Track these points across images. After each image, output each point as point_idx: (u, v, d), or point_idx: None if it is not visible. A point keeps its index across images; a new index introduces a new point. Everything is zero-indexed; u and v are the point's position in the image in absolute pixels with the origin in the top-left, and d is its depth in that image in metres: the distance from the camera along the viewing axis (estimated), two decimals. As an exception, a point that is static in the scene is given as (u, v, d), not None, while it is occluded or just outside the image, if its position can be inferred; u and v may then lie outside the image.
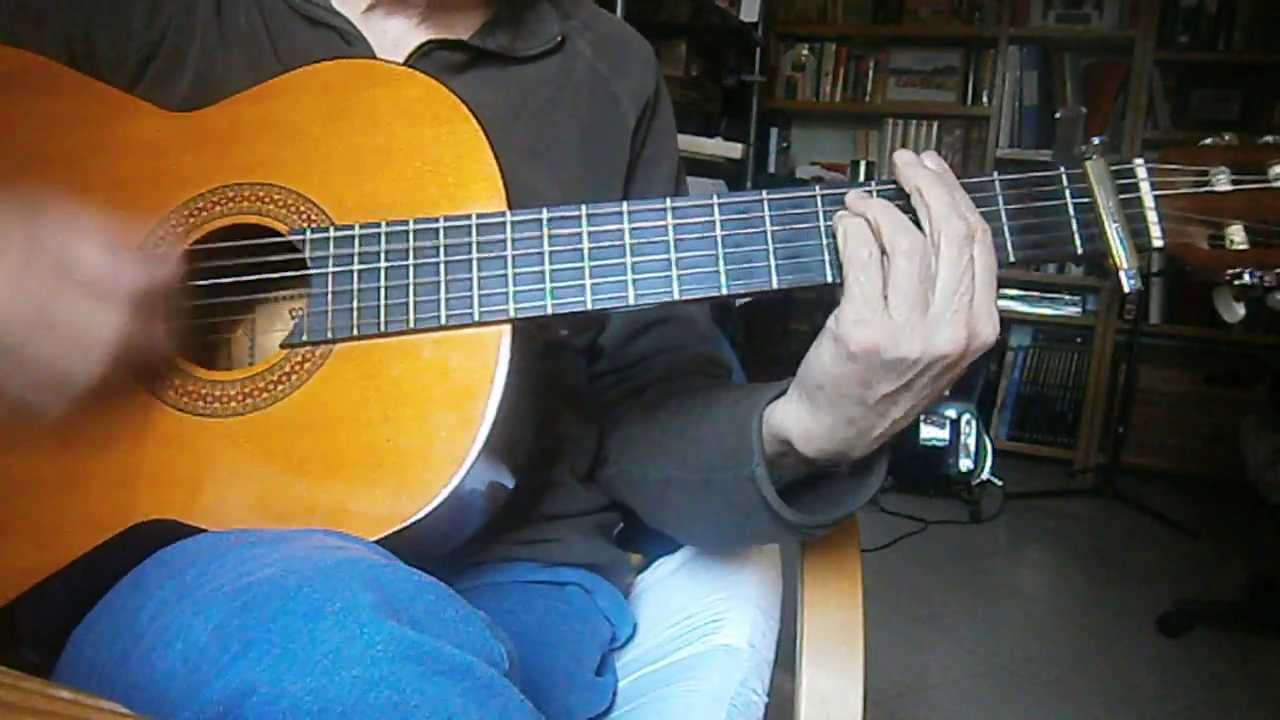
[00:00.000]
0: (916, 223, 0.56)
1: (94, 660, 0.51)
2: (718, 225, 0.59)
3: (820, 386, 0.58)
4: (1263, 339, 3.22)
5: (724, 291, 0.58)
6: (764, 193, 0.59)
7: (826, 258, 0.58)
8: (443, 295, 0.59)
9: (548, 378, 0.74)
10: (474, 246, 0.59)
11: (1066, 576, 2.68)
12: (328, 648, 0.42)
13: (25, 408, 0.54)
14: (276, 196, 0.62)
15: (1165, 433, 3.34)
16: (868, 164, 3.51)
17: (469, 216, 0.60)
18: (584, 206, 0.59)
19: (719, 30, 3.05)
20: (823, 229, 0.58)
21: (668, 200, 0.59)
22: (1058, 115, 3.22)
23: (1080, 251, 0.59)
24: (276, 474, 0.58)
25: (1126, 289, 0.58)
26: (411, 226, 0.60)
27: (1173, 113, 3.35)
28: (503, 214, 0.60)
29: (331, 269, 0.60)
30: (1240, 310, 0.60)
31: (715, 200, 0.59)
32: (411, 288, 0.59)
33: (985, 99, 3.56)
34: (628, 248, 0.59)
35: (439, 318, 0.59)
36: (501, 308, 0.59)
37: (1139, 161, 0.59)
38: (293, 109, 0.64)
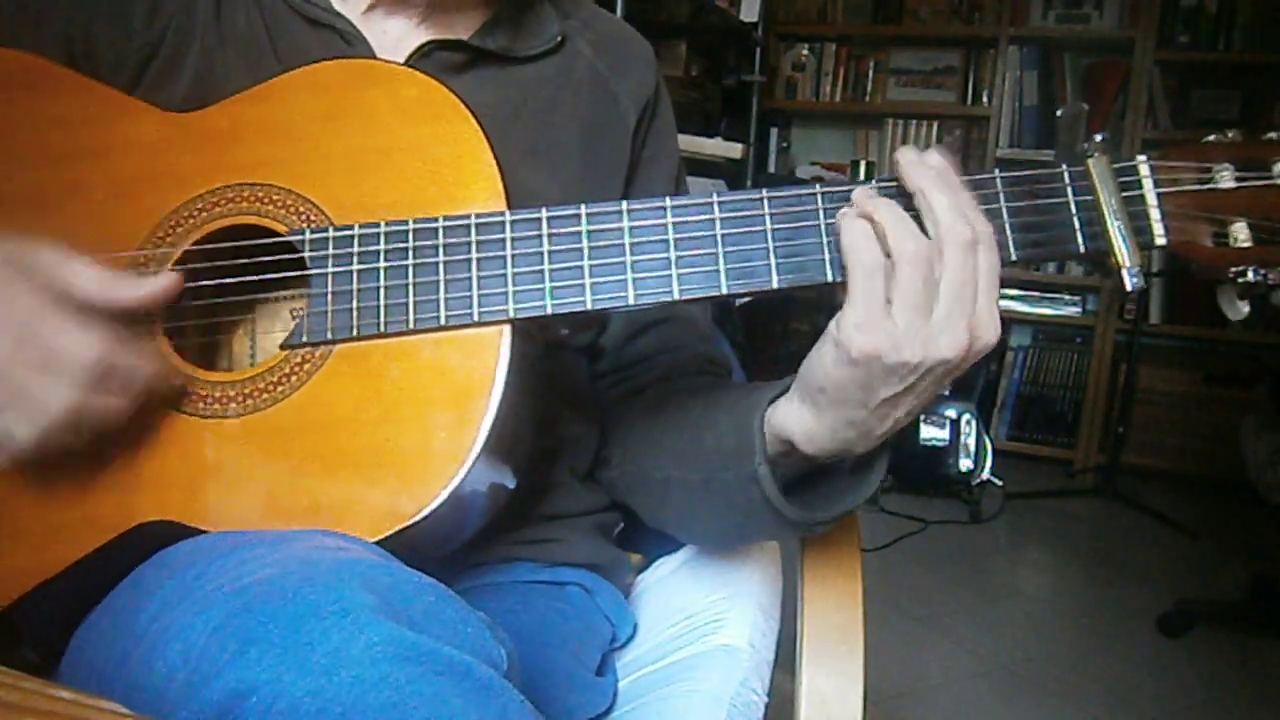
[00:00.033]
0: (919, 221, 0.56)
1: (94, 661, 0.51)
2: (717, 225, 0.59)
3: (822, 389, 0.58)
4: (1263, 339, 3.22)
5: (724, 291, 0.58)
6: (764, 191, 0.59)
7: (826, 256, 0.58)
8: (442, 295, 0.59)
9: (548, 378, 0.74)
10: (473, 246, 0.59)
11: (1066, 576, 2.68)
12: (327, 648, 0.42)
13: None
14: (275, 197, 0.62)
15: (1165, 433, 3.34)
16: (868, 164, 3.51)
17: (468, 216, 0.60)
18: (583, 206, 0.59)
19: (719, 30, 3.05)
20: (823, 228, 0.58)
21: (667, 200, 0.59)
22: (1059, 113, 3.23)
23: (1082, 250, 0.59)
24: (276, 475, 0.58)
25: (1129, 287, 0.57)
26: (411, 226, 0.60)
27: (1173, 113, 3.35)
28: (502, 214, 0.60)
29: (331, 269, 0.60)
30: (1244, 308, 0.60)
31: (715, 199, 0.59)
32: (411, 288, 0.59)
33: (985, 99, 3.56)
34: (627, 247, 0.59)
35: (438, 318, 0.59)
36: (501, 308, 0.58)
37: (1142, 158, 0.59)
38: (291, 109, 0.64)
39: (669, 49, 2.83)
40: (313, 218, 0.61)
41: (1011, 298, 3.50)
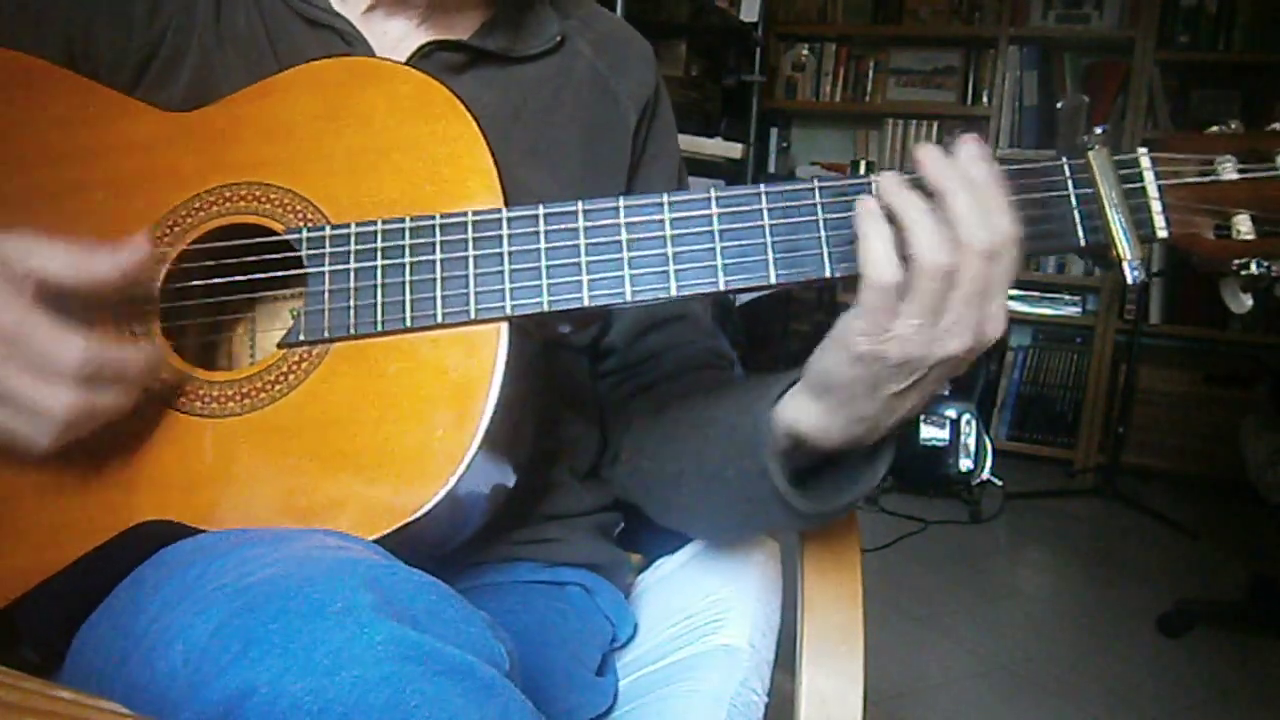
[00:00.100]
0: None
1: (94, 661, 0.51)
2: (715, 220, 0.59)
3: (829, 387, 0.59)
4: (1263, 339, 3.22)
5: (721, 287, 0.58)
6: (761, 187, 0.59)
7: (825, 252, 0.58)
8: (439, 293, 0.59)
9: (548, 377, 0.74)
10: (470, 244, 0.59)
11: (1066, 576, 2.68)
12: (329, 648, 0.42)
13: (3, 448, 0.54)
14: (273, 196, 0.62)
15: (1165, 433, 3.34)
16: (868, 164, 3.51)
17: (465, 214, 0.60)
18: (580, 203, 0.59)
19: (719, 30, 3.05)
20: (821, 223, 0.58)
21: (664, 196, 0.59)
22: (1059, 105, 3.22)
23: (1083, 243, 0.58)
24: (275, 474, 0.58)
25: (1130, 281, 0.57)
26: (407, 224, 0.60)
27: (1173, 113, 3.35)
28: (499, 211, 0.60)
29: (328, 268, 0.60)
30: (1248, 301, 0.60)
31: (712, 195, 0.59)
32: (408, 286, 0.59)
33: (985, 99, 3.56)
34: (624, 243, 0.59)
35: (435, 316, 0.59)
36: (498, 305, 0.58)
37: (1143, 151, 0.58)
38: (290, 108, 0.64)
39: (669, 49, 2.83)
40: (310, 216, 0.61)
41: (1012, 297, 3.44)
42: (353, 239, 0.60)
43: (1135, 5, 3.34)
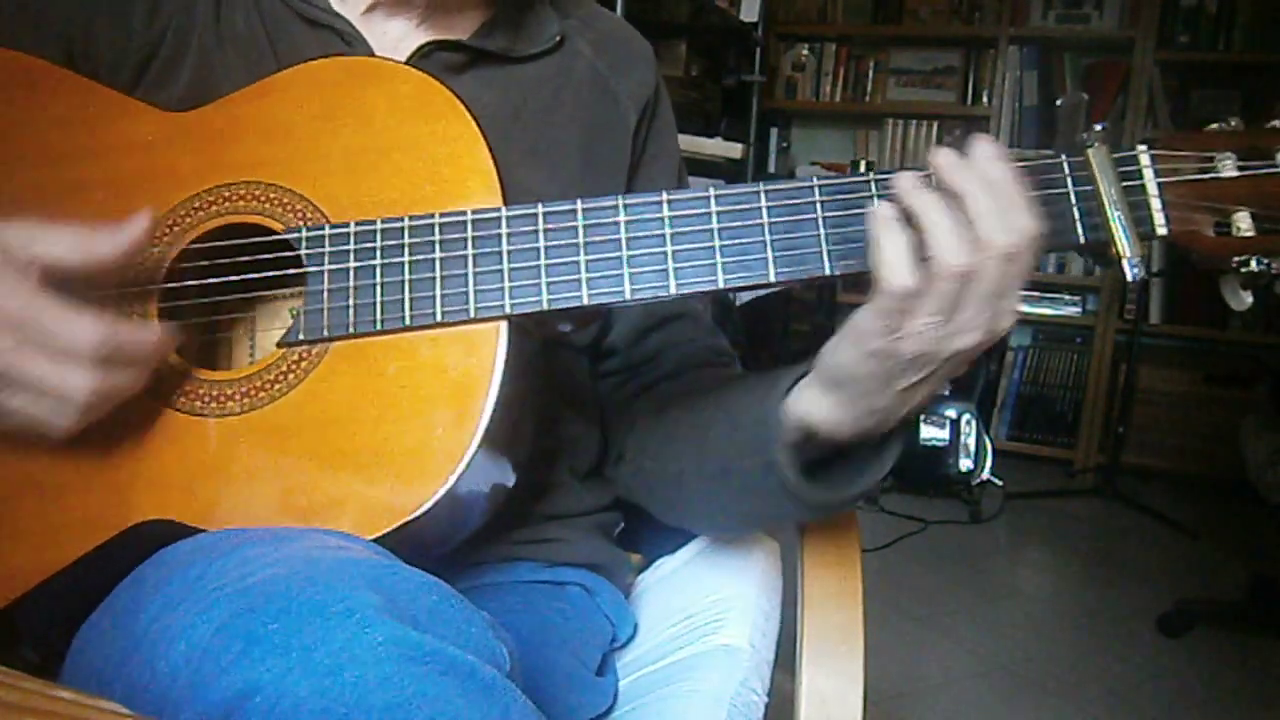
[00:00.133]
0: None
1: (94, 661, 0.51)
2: (714, 219, 0.59)
3: (841, 383, 0.59)
4: (1263, 339, 3.22)
5: (720, 285, 0.58)
6: (761, 185, 0.59)
7: (824, 250, 0.58)
8: (438, 292, 0.59)
9: (548, 376, 0.74)
10: (469, 243, 0.59)
11: (1066, 576, 2.68)
12: (331, 648, 0.42)
13: (25, 432, 0.55)
14: (272, 195, 0.62)
15: (1165, 433, 3.34)
16: (868, 164, 3.51)
17: (464, 213, 0.60)
18: (579, 201, 0.59)
19: (719, 30, 3.05)
20: (820, 221, 0.58)
21: (664, 194, 0.59)
22: (1059, 102, 3.22)
23: (1082, 240, 0.58)
24: (275, 473, 0.58)
25: (1130, 278, 0.57)
26: (406, 224, 0.60)
27: (1173, 113, 3.35)
28: (498, 210, 0.60)
29: (327, 267, 0.60)
30: (1248, 298, 0.60)
31: (711, 193, 0.59)
32: (407, 285, 0.59)
33: (985, 99, 3.56)
34: (623, 242, 0.59)
35: (435, 315, 0.59)
36: (498, 304, 0.58)
37: (1142, 148, 0.58)
38: (287, 108, 0.64)
39: (669, 49, 2.83)
40: (310, 216, 0.61)
41: (1012, 298, 3.48)
42: (352, 238, 0.60)
43: (1135, 5, 3.34)
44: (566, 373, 0.79)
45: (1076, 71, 3.50)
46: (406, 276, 0.59)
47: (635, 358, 0.81)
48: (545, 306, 0.58)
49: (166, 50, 0.70)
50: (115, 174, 0.63)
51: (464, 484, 0.57)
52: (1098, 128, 0.59)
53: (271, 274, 0.62)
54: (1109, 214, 0.57)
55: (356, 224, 0.60)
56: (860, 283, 0.57)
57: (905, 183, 0.56)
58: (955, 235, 0.53)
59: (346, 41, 0.72)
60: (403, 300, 0.59)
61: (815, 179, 0.59)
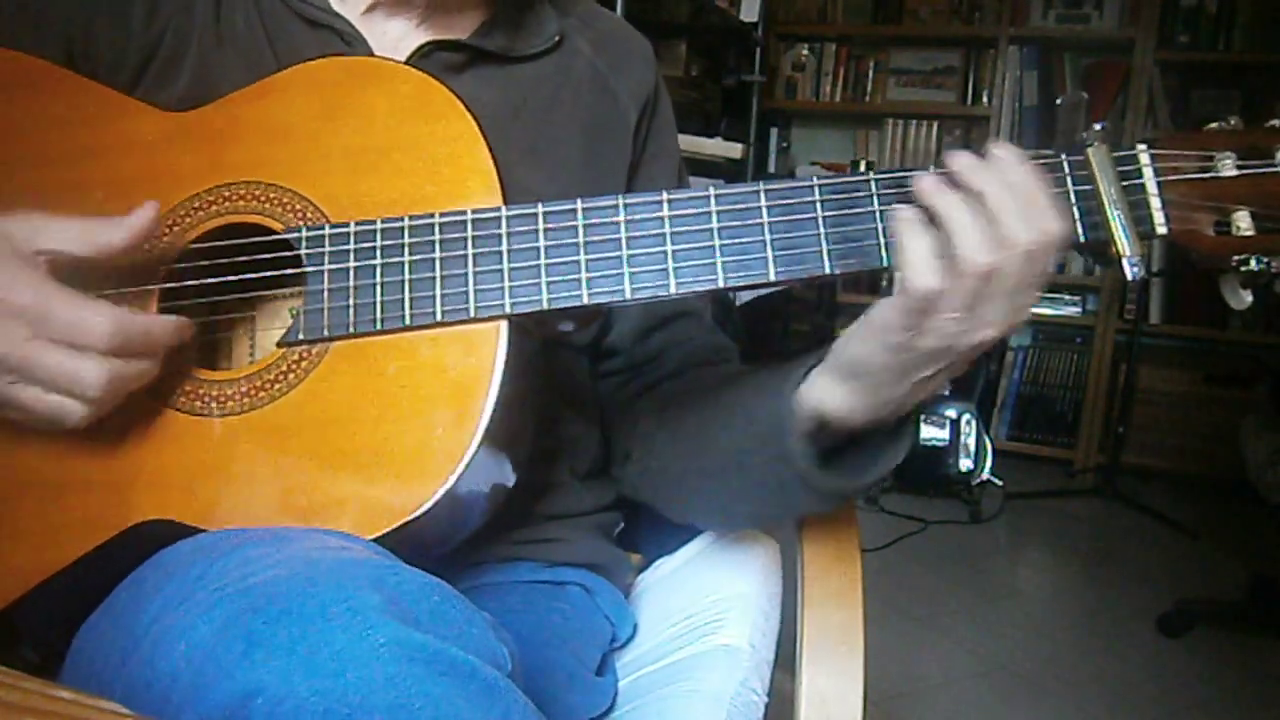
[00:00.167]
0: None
1: (94, 661, 0.51)
2: (714, 218, 0.59)
3: (857, 373, 0.60)
4: (1263, 339, 3.22)
5: (720, 284, 0.58)
6: (760, 185, 0.59)
7: (824, 249, 0.58)
8: (438, 292, 0.59)
9: (547, 376, 0.74)
10: (469, 242, 0.59)
11: (1066, 576, 2.68)
12: (334, 649, 0.42)
13: (36, 425, 0.55)
14: (273, 195, 0.62)
15: (1165, 433, 3.34)
16: (868, 164, 3.51)
17: (464, 213, 0.60)
18: (579, 201, 0.59)
19: (719, 30, 3.05)
20: (820, 221, 0.58)
21: (664, 194, 0.59)
22: (1059, 101, 3.22)
23: (1082, 240, 0.58)
24: (275, 473, 0.58)
25: (1130, 277, 0.57)
26: (407, 223, 0.60)
27: (1173, 113, 3.35)
28: (498, 209, 0.60)
29: (327, 267, 0.60)
30: (1248, 297, 0.60)
31: (711, 193, 0.59)
32: (407, 284, 0.59)
33: (985, 99, 3.56)
34: (623, 241, 0.59)
35: (435, 314, 0.59)
36: (498, 303, 0.58)
37: (1142, 147, 0.58)
38: (288, 108, 0.64)
39: (669, 49, 2.83)
40: (310, 216, 0.61)
41: (1012, 297, 3.48)
42: (352, 238, 0.60)
43: (1135, 5, 3.34)
44: (566, 373, 0.79)
45: (1076, 71, 3.50)
46: (406, 276, 0.59)
47: (638, 357, 0.81)
48: (545, 306, 0.58)
49: (166, 50, 0.70)
50: (115, 174, 0.63)
51: (464, 484, 0.57)
52: (1097, 127, 0.59)
53: (271, 274, 0.62)
54: (1109, 213, 0.57)
55: (356, 224, 0.60)
56: (860, 282, 0.58)
57: (927, 183, 0.56)
58: (979, 233, 0.54)
59: (346, 41, 0.72)
60: (403, 300, 0.59)
61: (815, 179, 0.59)
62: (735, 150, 2.87)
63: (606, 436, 0.83)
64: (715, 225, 0.59)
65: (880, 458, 0.65)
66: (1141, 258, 0.57)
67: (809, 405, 0.63)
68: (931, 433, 2.92)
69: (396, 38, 0.73)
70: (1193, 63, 3.34)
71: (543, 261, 0.59)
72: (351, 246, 0.60)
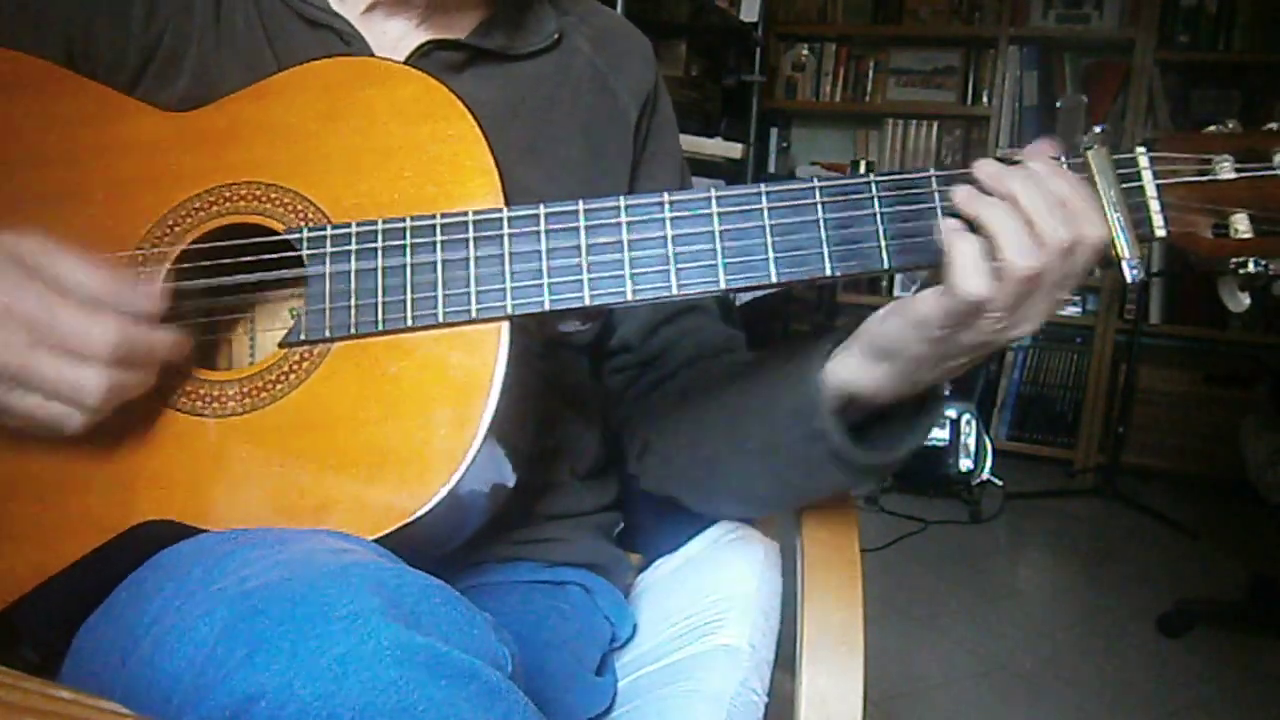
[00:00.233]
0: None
1: (94, 661, 0.51)
2: (715, 219, 0.59)
3: (890, 357, 0.61)
4: (1263, 339, 3.22)
5: (722, 285, 0.58)
6: (762, 186, 0.59)
7: (825, 250, 0.58)
8: (440, 293, 0.59)
9: (548, 377, 0.74)
10: (471, 243, 0.59)
11: (1066, 576, 2.68)
12: (337, 652, 0.42)
13: (35, 431, 0.55)
14: (274, 195, 0.62)
15: (1165, 433, 3.34)
16: (868, 164, 3.50)
17: (466, 213, 0.60)
18: (581, 202, 0.59)
19: (719, 30, 3.05)
20: (821, 222, 0.58)
21: (665, 195, 0.59)
22: (1058, 104, 3.22)
23: None
24: (276, 473, 0.58)
25: (1129, 279, 0.57)
26: (408, 224, 0.60)
27: (1173, 113, 3.35)
28: (499, 210, 0.60)
29: (329, 268, 0.60)
30: (1245, 300, 0.60)
31: (713, 194, 0.59)
32: (409, 285, 0.59)
33: (985, 99, 3.56)
34: (625, 243, 0.59)
35: (436, 315, 0.59)
36: (499, 304, 0.58)
37: (1141, 150, 0.59)
38: (289, 108, 0.64)
39: (669, 49, 2.83)
40: (311, 216, 0.61)
41: (1012, 298, 3.48)
42: (354, 238, 0.60)
43: (1135, 5, 3.34)
44: (567, 373, 0.79)
45: (1076, 71, 3.50)
46: (408, 277, 0.59)
47: (649, 351, 0.81)
48: (547, 307, 0.58)
49: (165, 51, 0.70)
50: (116, 174, 0.63)
51: (465, 484, 0.57)
52: (1097, 129, 0.59)
53: (273, 274, 0.62)
54: (1108, 215, 0.57)
55: (358, 224, 0.60)
56: (860, 282, 0.58)
57: (963, 194, 0.57)
58: (1020, 237, 0.54)
59: (346, 41, 0.72)
60: (405, 301, 0.59)
61: (816, 179, 0.59)
62: (735, 150, 2.86)
63: (619, 433, 0.83)
64: (717, 227, 0.59)
65: (910, 432, 0.65)
66: (1141, 260, 0.57)
67: (835, 383, 0.63)
68: (931, 433, 2.91)
69: (396, 37, 0.73)
70: (1193, 63, 3.34)
71: (544, 263, 0.59)
72: (353, 247, 0.60)
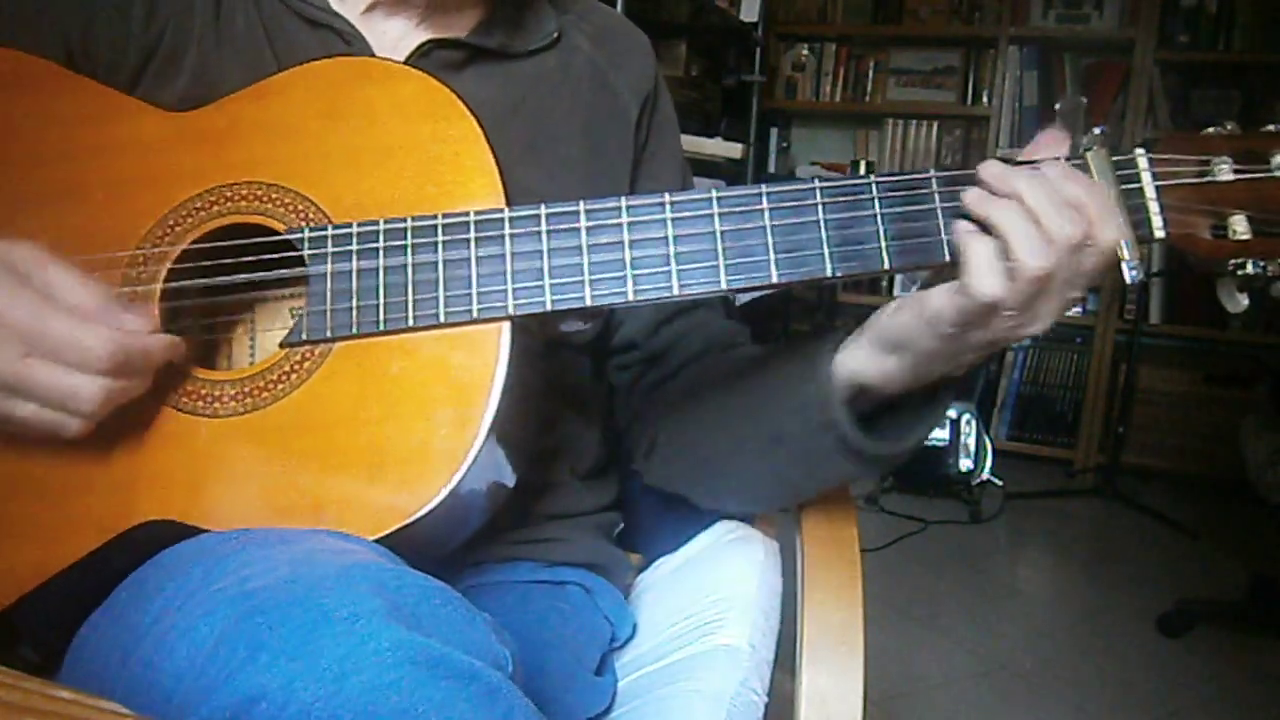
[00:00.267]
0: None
1: (94, 661, 0.51)
2: (716, 220, 0.59)
3: (901, 349, 0.61)
4: (1263, 339, 3.22)
5: (723, 286, 0.59)
6: (762, 187, 0.59)
7: (826, 251, 0.58)
8: (441, 293, 0.59)
9: (548, 377, 0.74)
10: (472, 243, 0.59)
11: (1066, 576, 2.68)
12: (338, 654, 0.42)
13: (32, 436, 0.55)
14: (274, 195, 0.62)
15: (1165, 433, 3.34)
16: (868, 164, 3.50)
17: (467, 213, 0.60)
18: (582, 202, 0.60)
19: (719, 30, 3.04)
20: (822, 223, 0.58)
21: (666, 195, 0.59)
22: (1058, 105, 3.22)
23: None
24: (277, 473, 0.58)
25: (1129, 280, 0.58)
26: (409, 224, 0.60)
27: (1173, 113, 3.35)
28: (500, 211, 0.60)
29: (330, 267, 0.60)
30: (1244, 301, 0.60)
31: (714, 195, 0.59)
32: (410, 285, 0.59)
33: (985, 99, 3.56)
34: (626, 244, 0.59)
35: (438, 315, 0.59)
36: (500, 304, 0.58)
37: (1140, 151, 0.59)
38: (290, 108, 0.64)
39: (669, 49, 2.83)
40: (312, 216, 0.61)
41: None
42: (355, 238, 0.60)
43: (1135, 5, 3.34)
44: (567, 373, 0.79)
45: (1076, 71, 3.50)
46: (409, 277, 0.59)
47: (654, 348, 0.81)
48: (549, 307, 0.58)
49: (165, 50, 0.70)
50: (116, 173, 0.63)
51: (465, 484, 0.57)
52: (1096, 131, 0.59)
53: (274, 274, 0.62)
54: (1109, 217, 0.57)
55: (359, 224, 0.60)
56: (860, 282, 0.58)
57: (974, 196, 0.57)
58: (1031, 237, 0.55)
59: (346, 41, 0.72)
60: (406, 301, 0.59)
61: (817, 180, 0.59)
62: (735, 150, 2.86)
63: (626, 430, 0.83)
64: (718, 227, 0.59)
65: (919, 422, 0.66)
66: (1140, 261, 0.57)
67: (844, 374, 0.64)
68: (936, 427, 2.91)
69: (396, 37, 0.73)
70: (1193, 63, 3.34)
71: (546, 263, 0.59)
72: (354, 247, 0.60)
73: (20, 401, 0.53)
